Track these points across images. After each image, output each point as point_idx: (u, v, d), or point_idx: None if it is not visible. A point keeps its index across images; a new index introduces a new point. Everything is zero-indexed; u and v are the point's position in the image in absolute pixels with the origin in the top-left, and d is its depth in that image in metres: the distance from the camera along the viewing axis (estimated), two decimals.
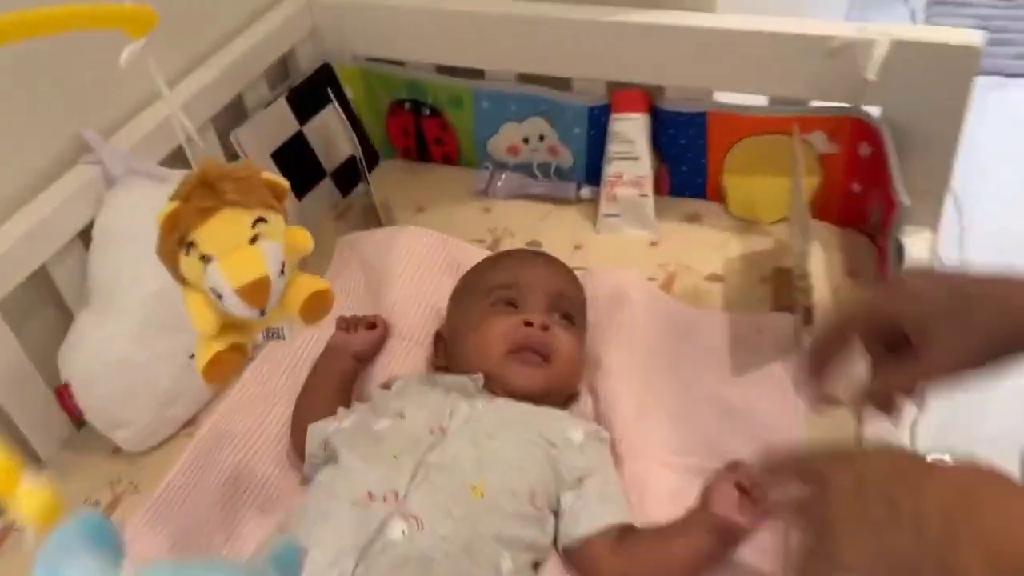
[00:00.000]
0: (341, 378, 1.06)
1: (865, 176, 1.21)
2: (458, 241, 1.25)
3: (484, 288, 1.04)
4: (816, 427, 1.01)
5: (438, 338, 1.08)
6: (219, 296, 0.69)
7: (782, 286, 1.16)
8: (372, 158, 1.53)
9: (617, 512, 0.89)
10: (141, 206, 1.06)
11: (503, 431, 0.90)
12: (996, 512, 0.53)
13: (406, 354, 1.11)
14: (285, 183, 0.74)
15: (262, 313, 0.70)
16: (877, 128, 1.15)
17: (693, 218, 1.34)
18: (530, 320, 0.98)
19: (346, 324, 1.11)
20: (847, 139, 1.21)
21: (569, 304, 1.04)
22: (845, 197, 1.25)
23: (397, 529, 0.78)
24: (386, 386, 1.04)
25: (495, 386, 0.96)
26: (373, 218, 1.34)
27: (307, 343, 1.17)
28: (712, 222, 1.33)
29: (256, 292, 0.69)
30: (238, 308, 0.69)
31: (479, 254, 1.24)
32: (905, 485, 0.58)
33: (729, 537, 0.83)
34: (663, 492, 0.95)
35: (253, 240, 0.70)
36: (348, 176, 1.46)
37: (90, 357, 1.03)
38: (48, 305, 1.11)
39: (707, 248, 1.28)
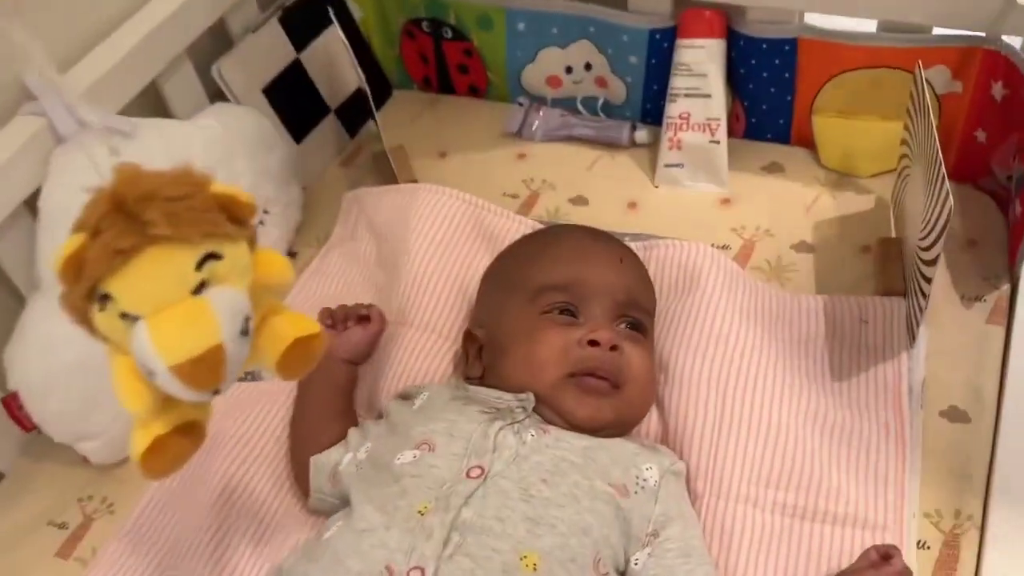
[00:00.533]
0: (336, 391, 0.86)
1: (994, 123, 0.99)
2: (489, 204, 1.02)
3: (532, 287, 0.82)
4: (935, 449, 0.82)
5: (469, 338, 0.86)
6: (151, 372, 0.48)
7: (892, 262, 0.95)
8: (383, 90, 1.30)
9: (703, 572, 0.71)
10: (96, 171, 0.86)
11: (561, 476, 0.70)
12: None
13: (428, 351, 0.91)
14: (248, 198, 0.51)
15: (216, 393, 0.49)
16: (1017, 64, 0.92)
17: (773, 168, 1.11)
18: (596, 339, 0.77)
19: (331, 319, 0.91)
20: (976, 77, 0.98)
21: (640, 311, 0.83)
22: (966, 147, 1.03)
23: None
24: (405, 397, 0.84)
25: (548, 413, 0.76)
26: (385, 168, 1.12)
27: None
28: (798, 173, 1.10)
29: (202, 370, 0.48)
30: (177, 391, 0.48)
31: (516, 222, 1.02)
32: None
33: None
34: (751, 539, 0.76)
35: (199, 289, 0.49)
36: (356, 112, 1.24)
37: (41, 359, 0.84)
38: None
39: (792, 208, 1.06)
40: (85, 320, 0.50)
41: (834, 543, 0.76)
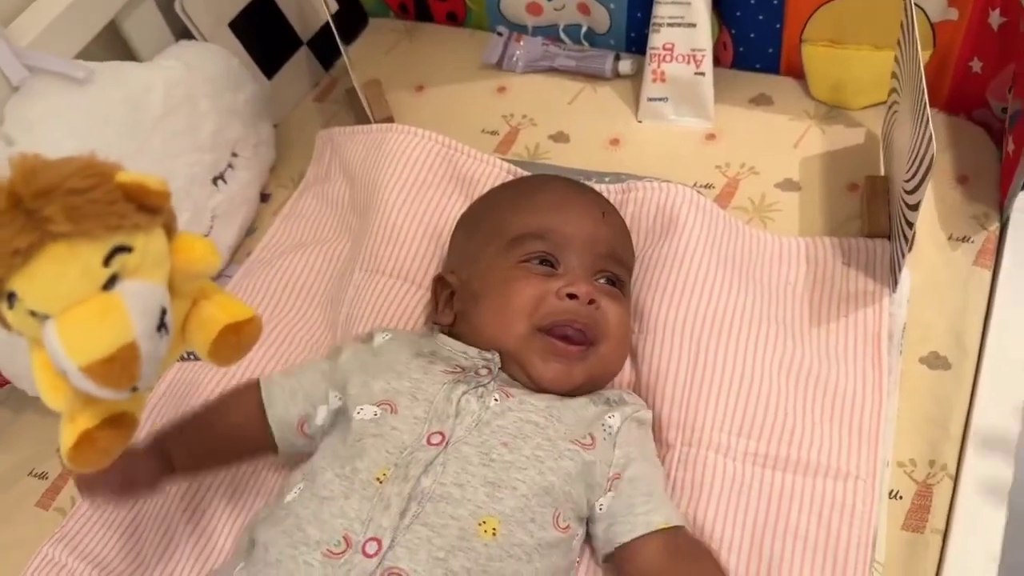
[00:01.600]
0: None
1: (991, 53, 0.94)
2: (463, 147, 0.98)
3: (511, 235, 0.79)
4: (913, 397, 0.80)
5: (440, 284, 0.84)
6: (64, 371, 0.46)
7: (878, 202, 0.91)
8: (358, 19, 1.25)
9: (665, 511, 0.71)
10: (50, 121, 0.83)
11: (523, 439, 0.69)
12: None
13: (400, 298, 0.89)
14: (159, 185, 0.47)
15: (134, 390, 0.47)
16: None
17: (761, 100, 1.07)
18: (574, 291, 0.74)
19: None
20: (972, 4, 0.93)
21: (619, 266, 0.80)
22: (961, 77, 0.98)
23: None
24: (368, 336, 0.82)
25: (515, 370, 0.75)
26: (358, 104, 1.08)
27: (290, 262, 0.97)
28: (786, 106, 1.06)
29: (115, 369, 0.46)
30: (92, 390, 0.46)
31: (491, 165, 0.98)
32: None
33: None
34: (721, 488, 0.76)
35: (109, 284, 0.46)
36: (330, 44, 1.19)
37: None
38: None
39: (779, 144, 1.02)
40: None
41: (805, 493, 0.75)
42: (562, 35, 1.16)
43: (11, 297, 0.46)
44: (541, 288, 0.75)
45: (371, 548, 0.62)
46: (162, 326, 0.48)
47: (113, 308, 0.45)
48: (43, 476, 0.90)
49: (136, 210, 0.46)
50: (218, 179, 0.98)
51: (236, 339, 0.53)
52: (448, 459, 0.67)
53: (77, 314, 0.45)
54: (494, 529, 0.64)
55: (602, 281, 0.79)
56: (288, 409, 0.76)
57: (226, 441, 0.77)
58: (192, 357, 0.55)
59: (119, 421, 0.50)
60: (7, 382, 0.87)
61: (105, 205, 0.45)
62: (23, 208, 0.44)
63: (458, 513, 0.64)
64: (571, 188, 0.85)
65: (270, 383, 0.78)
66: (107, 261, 0.46)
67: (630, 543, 0.69)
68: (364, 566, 0.61)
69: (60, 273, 0.45)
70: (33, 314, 0.46)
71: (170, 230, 0.50)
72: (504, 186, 0.90)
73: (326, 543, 0.63)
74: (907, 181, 0.80)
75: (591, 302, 0.75)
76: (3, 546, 0.85)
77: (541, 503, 0.67)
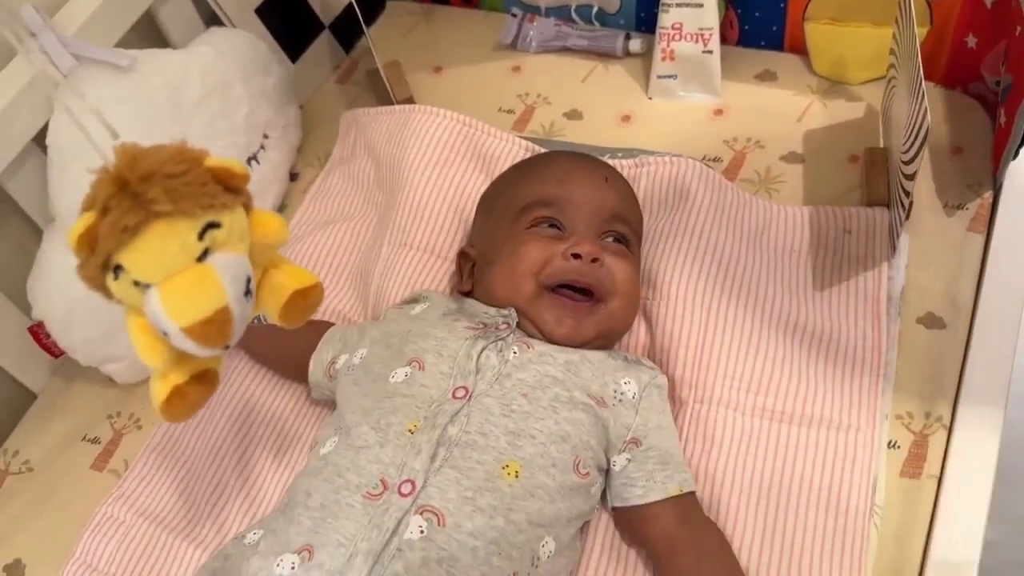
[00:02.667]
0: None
1: (985, 28, 0.98)
2: (483, 125, 1.04)
3: (519, 204, 0.84)
4: (911, 354, 0.86)
5: (463, 256, 0.90)
6: (165, 333, 0.52)
7: (877, 172, 0.97)
8: (376, 2, 1.30)
9: (680, 477, 0.77)
10: (100, 108, 0.88)
11: (541, 390, 0.75)
12: None
13: (427, 271, 0.94)
14: (241, 169, 0.54)
15: (226, 348, 0.53)
16: None
17: (766, 76, 1.12)
18: (578, 251, 0.80)
19: None
20: None
21: (625, 226, 0.85)
22: (957, 53, 1.03)
23: (415, 527, 0.66)
24: (409, 301, 0.89)
25: (529, 327, 0.80)
26: (380, 86, 1.13)
27: (320, 238, 1.03)
28: (790, 81, 1.11)
29: (212, 329, 0.52)
30: (191, 348, 0.52)
31: (510, 143, 1.04)
32: None
33: None
34: (731, 441, 0.82)
35: (203, 256, 0.52)
36: (350, 27, 1.25)
37: (61, 291, 0.89)
38: (11, 219, 0.95)
39: (783, 118, 1.07)
40: (102, 287, 0.54)
41: (809, 444, 0.81)
42: (574, 15, 1.21)
43: (117, 269, 0.52)
44: (548, 250, 0.80)
45: (406, 488, 0.68)
46: (248, 291, 0.54)
47: (208, 277, 0.52)
48: (96, 440, 0.96)
49: (223, 191, 0.52)
50: (251, 160, 1.03)
51: (304, 303, 0.59)
52: (472, 411, 0.73)
53: (177, 282, 0.51)
54: (516, 472, 0.70)
55: (609, 240, 0.84)
56: (325, 352, 0.85)
57: (284, 352, 0.89)
58: (260, 320, 0.60)
59: (204, 377, 0.56)
60: (62, 352, 0.93)
61: (198, 187, 0.50)
62: (129, 191, 0.50)
63: (483, 458, 0.70)
64: (576, 158, 0.91)
65: (334, 328, 0.89)
66: (201, 236, 0.52)
67: (644, 506, 0.75)
68: (400, 504, 0.67)
69: (162, 247, 0.51)
70: (136, 284, 0.52)
71: (248, 207, 0.55)
72: (516, 165, 0.95)
73: (365, 486, 0.69)
74: (904, 152, 0.85)
75: (594, 260, 0.79)
76: (62, 505, 0.91)
77: (560, 450, 0.73)
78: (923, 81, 0.79)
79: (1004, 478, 1.38)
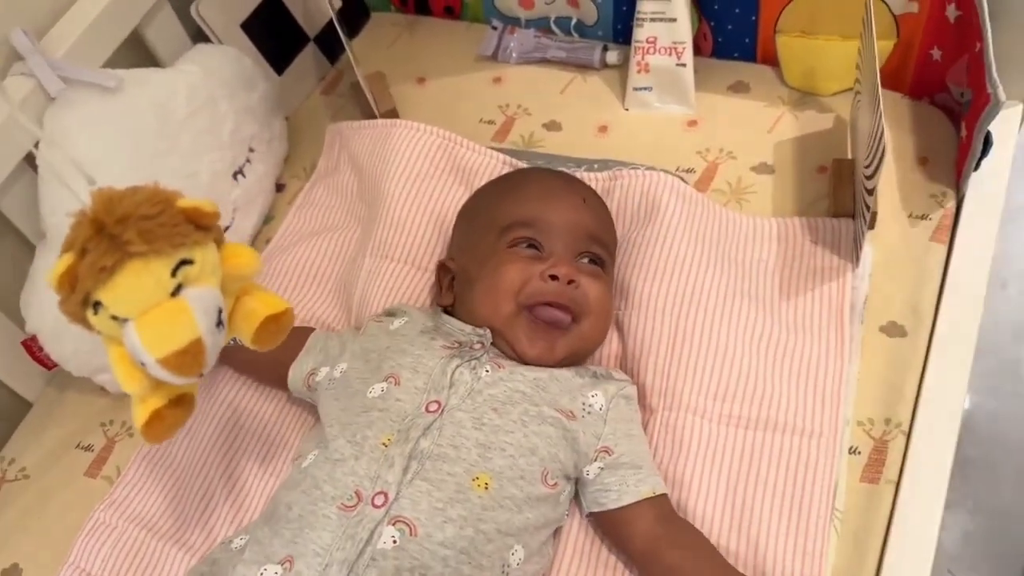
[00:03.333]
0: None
1: (949, 43, 1.01)
2: (463, 140, 1.06)
3: (500, 223, 0.87)
4: (873, 362, 0.89)
5: (442, 269, 0.93)
6: (143, 363, 0.55)
7: (844, 183, 0.99)
8: (360, 13, 1.33)
9: (652, 481, 0.80)
10: (87, 129, 0.91)
11: (511, 405, 0.78)
12: None
13: (407, 282, 0.97)
14: (211, 208, 0.57)
15: (200, 376, 0.57)
16: None
17: (739, 88, 1.14)
18: (555, 273, 0.82)
19: None
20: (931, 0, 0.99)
21: (600, 247, 0.88)
22: (922, 65, 1.05)
23: (388, 537, 0.69)
24: (388, 314, 0.92)
25: (504, 346, 0.84)
26: (363, 97, 1.16)
27: (305, 249, 1.06)
28: (761, 93, 1.13)
29: (186, 360, 0.55)
30: (166, 377, 0.55)
31: (488, 157, 1.06)
32: None
33: None
34: (699, 446, 0.85)
35: (176, 291, 0.56)
36: (335, 39, 1.25)
37: (51, 305, 0.89)
38: (4, 236, 0.98)
39: (755, 129, 1.10)
40: (82, 321, 0.57)
41: (774, 449, 0.84)
42: (553, 27, 1.24)
43: (96, 305, 0.55)
44: (527, 271, 0.83)
45: (379, 500, 0.71)
46: (220, 322, 0.57)
47: (181, 311, 0.55)
48: (89, 448, 0.99)
49: (194, 229, 0.55)
50: (237, 174, 1.06)
51: (275, 327, 0.62)
52: (444, 424, 0.76)
53: (153, 317, 0.54)
54: (486, 484, 0.73)
55: (584, 261, 0.87)
56: (305, 362, 0.88)
57: (264, 359, 0.85)
58: (234, 342, 0.64)
59: (182, 400, 0.60)
60: (55, 365, 0.96)
61: (171, 227, 0.54)
62: (106, 233, 0.53)
63: (454, 470, 0.73)
64: (555, 179, 0.94)
65: (316, 336, 0.91)
66: (174, 272, 0.55)
67: (620, 510, 0.78)
68: (373, 515, 0.70)
69: (138, 285, 0.54)
70: (114, 318, 0.55)
71: (219, 242, 0.58)
72: (497, 180, 0.98)
73: (340, 498, 0.72)
74: (866, 167, 0.88)
75: (571, 282, 0.83)
76: (58, 512, 0.94)
77: (528, 462, 0.76)
78: (881, 98, 0.82)
79: (984, 472, 1.42)
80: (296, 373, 0.89)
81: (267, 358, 0.90)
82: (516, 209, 0.88)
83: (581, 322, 0.84)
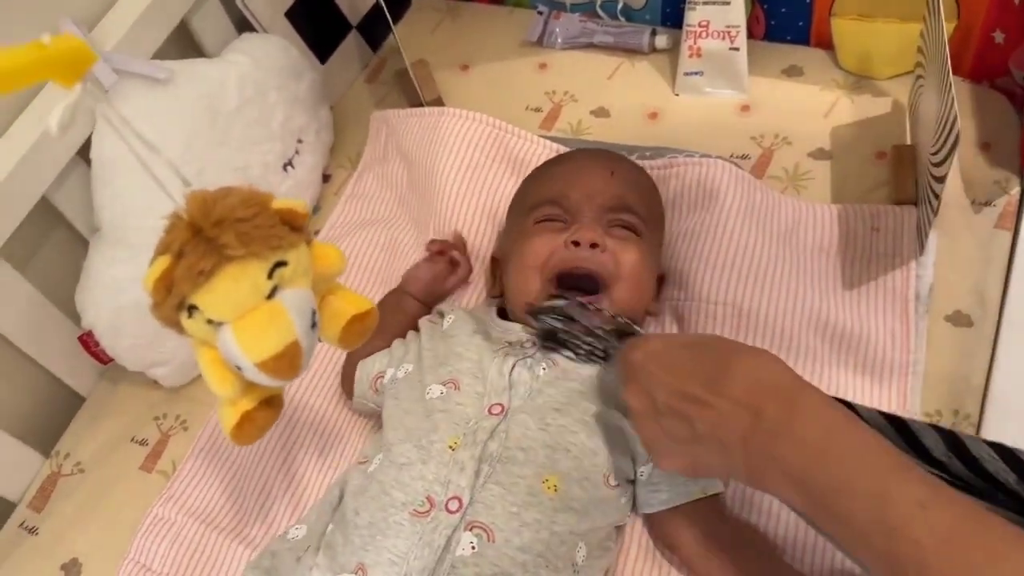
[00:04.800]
0: (399, 317, 0.92)
1: (1012, 25, 0.99)
2: (512, 127, 1.05)
3: (529, 204, 0.87)
4: (939, 352, 0.88)
5: (494, 261, 0.92)
6: (239, 368, 0.55)
7: (905, 170, 0.98)
8: (402, 0, 1.30)
9: (703, 481, 0.78)
10: (139, 122, 0.89)
11: (572, 405, 0.77)
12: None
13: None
14: (304, 208, 0.56)
15: (295, 377, 0.56)
16: None
17: (793, 71, 1.12)
18: (577, 237, 0.80)
19: (441, 249, 0.96)
20: None
21: (632, 215, 0.85)
22: (983, 47, 1.03)
23: (466, 543, 0.68)
24: (439, 314, 0.91)
25: None
26: (408, 86, 1.14)
27: (356, 241, 1.05)
28: (816, 76, 1.11)
29: (284, 363, 0.55)
30: (264, 381, 0.55)
31: (539, 145, 1.05)
32: (696, 404, 0.60)
33: None
34: None
35: (272, 293, 0.55)
36: (377, 26, 1.26)
37: (109, 300, 0.91)
38: (56, 230, 0.98)
39: (810, 114, 1.08)
40: (176, 326, 0.56)
41: None
42: (599, 11, 1.22)
43: (191, 309, 0.55)
44: (552, 242, 0.82)
45: (453, 505, 0.70)
46: (313, 324, 0.56)
47: (278, 314, 0.54)
48: (143, 442, 0.99)
49: (289, 231, 0.55)
50: (287, 165, 1.05)
51: (360, 326, 0.62)
52: (510, 426, 0.74)
53: (250, 321, 0.54)
54: (555, 486, 0.72)
55: (618, 228, 0.84)
56: (373, 363, 0.87)
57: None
58: (320, 341, 0.63)
59: (271, 402, 0.59)
60: (111, 359, 0.96)
61: (267, 229, 0.53)
62: (203, 236, 0.52)
63: (524, 472, 0.72)
64: (585, 155, 0.92)
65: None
66: (270, 275, 0.55)
67: (671, 511, 0.77)
68: (449, 521, 0.69)
69: (235, 288, 0.54)
70: (210, 322, 0.54)
71: (309, 242, 0.58)
72: (541, 165, 0.96)
73: (411, 504, 0.71)
74: (934, 154, 0.86)
75: (594, 245, 0.80)
76: (114, 506, 0.94)
77: (592, 464, 0.75)
78: (952, 84, 0.80)
79: None
80: (363, 373, 0.88)
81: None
82: (543, 188, 0.87)
83: (612, 288, 0.82)
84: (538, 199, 0.86)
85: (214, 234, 0.52)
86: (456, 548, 0.68)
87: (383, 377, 0.87)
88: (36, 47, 0.50)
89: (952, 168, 0.98)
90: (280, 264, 0.55)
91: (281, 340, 0.54)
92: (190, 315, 0.55)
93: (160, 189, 0.55)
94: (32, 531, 0.95)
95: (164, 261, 0.53)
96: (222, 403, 0.59)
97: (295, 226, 0.55)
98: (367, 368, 0.88)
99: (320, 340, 0.62)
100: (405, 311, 0.93)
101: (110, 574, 0.88)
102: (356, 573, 0.70)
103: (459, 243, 0.97)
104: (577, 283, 0.81)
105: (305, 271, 0.56)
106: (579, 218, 0.83)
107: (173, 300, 0.54)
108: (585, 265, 0.80)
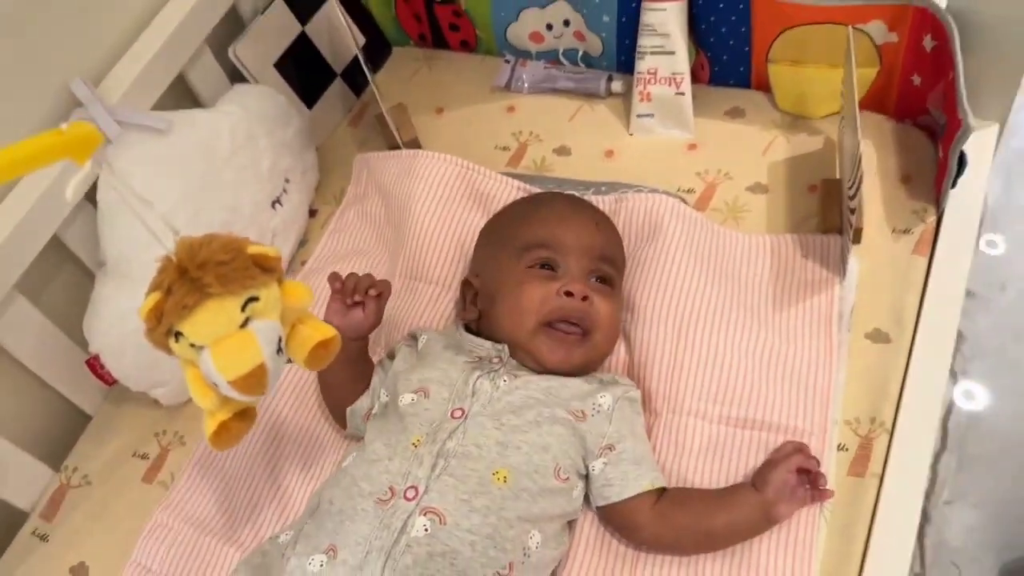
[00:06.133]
0: (351, 363, 0.98)
1: (927, 70, 1.09)
2: (479, 168, 1.16)
3: (519, 245, 0.97)
4: (859, 366, 0.97)
5: (466, 286, 1.02)
6: (215, 384, 0.65)
7: (832, 201, 1.08)
8: (383, 49, 1.43)
9: (651, 475, 0.88)
10: (141, 168, 1.00)
11: (526, 409, 0.87)
12: None
13: (433, 299, 1.08)
14: (275, 252, 0.67)
15: (263, 394, 0.67)
16: (943, 21, 1.02)
17: (735, 113, 1.23)
18: (570, 290, 0.92)
19: (340, 284, 0.96)
20: (909, 30, 1.08)
21: (610, 266, 0.98)
22: (904, 90, 1.13)
23: (420, 526, 0.79)
24: (412, 337, 1.01)
25: (525, 358, 0.93)
26: (387, 128, 1.25)
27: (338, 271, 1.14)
28: (756, 117, 1.22)
29: (252, 382, 0.65)
30: (235, 396, 0.66)
31: (504, 184, 1.16)
32: None
33: (776, 521, 0.85)
34: (700, 446, 0.94)
35: (244, 323, 0.66)
36: (360, 74, 1.35)
37: (114, 328, 1.01)
38: (66, 264, 1.08)
39: (750, 152, 1.18)
40: (166, 348, 0.68)
41: (768, 446, 0.92)
42: (562, 58, 1.33)
43: (178, 335, 0.66)
44: (545, 289, 0.93)
45: (410, 494, 0.80)
46: (279, 349, 0.67)
47: (249, 341, 0.65)
48: (145, 456, 1.08)
49: (261, 272, 0.66)
50: (275, 203, 1.16)
51: (324, 351, 0.72)
52: (468, 427, 0.85)
53: (225, 346, 0.65)
54: (505, 477, 0.82)
55: (595, 280, 0.96)
56: (363, 403, 0.97)
57: (345, 379, 0.98)
58: (288, 361, 0.74)
59: (245, 414, 0.71)
60: (115, 381, 1.06)
61: (242, 271, 0.64)
62: (188, 276, 0.64)
63: (476, 466, 0.82)
64: (570, 203, 1.03)
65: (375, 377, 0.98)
66: (243, 308, 0.66)
67: (622, 503, 0.87)
68: (406, 507, 0.79)
69: (213, 320, 0.65)
70: (192, 345, 0.65)
71: (280, 280, 0.69)
72: (515, 203, 1.07)
73: (376, 493, 0.81)
74: (849, 187, 0.97)
75: (584, 298, 0.92)
76: (118, 514, 1.03)
77: (542, 459, 0.85)
78: (859, 124, 0.90)
79: (986, 468, 1.49)
80: (352, 413, 0.98)
81: (344, 389, 0.99)
82: (534, 231, 0.97)
83: (593, 334, 0.93)
84: (529, 241, 0.96)
85: (198, 275, 0.63)
86: (411, 530, 0.78)
87: (374, 409, 0.96)
88: (55, 134, 0.61)
89: (876, 198, 1.10)
90: (252, 299, 0.66)
91: (250, 362, 0.65)
92: (176, 340, 0.66)
93: (153, 235, 0.66)
94: (43, 538, 1.04)
95: (155, 296, 0.64)
96: (205, 415, 0.70)
97: (267, 268, 0.67)
98: (356, 408, 0.98)
99: (291, 362, 0.73)
100: (351, 356, 0.98)
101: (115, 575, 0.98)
102: (328, 553, 0.80)
103: (360, 284, 0.96)
104: (567, 329, 0.92)
105: (275, 305, 0.68)
106: (568, 267, 0.94)
107: (163, 328, 0.65)
108: (576, 314, 0.92)
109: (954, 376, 1.53)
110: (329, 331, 0.72)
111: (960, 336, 1.53)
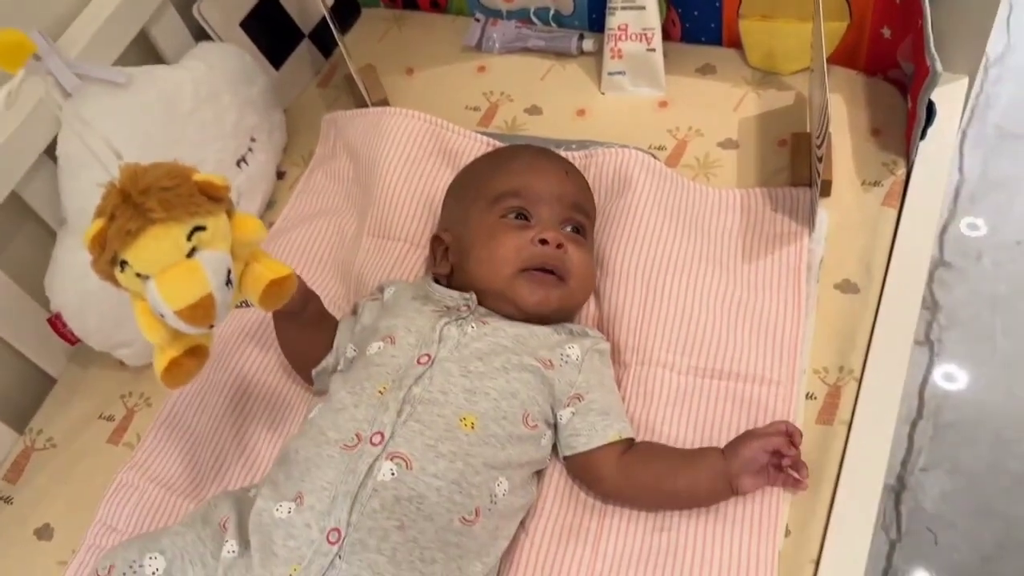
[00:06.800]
0: (310, 324, 0.96)
1: (897, 22, 1.09)
2: (449, 124, 1.15)
3: (490, 195, 0.96)
4: (828, 316, 0.97)
5: (436, 241, 1.01)
6: (162, 315, 0.64)
7: (801, 154, 1.08)
8: (352, 10, 1.41)
9: (619, 426, 0.88)
10: (102, 122, 0.99)
11: (494, 356, 0.87)
12: None
13: (402, 257, 1.06)
14: (222, 181, 0.66)
15: (211, 327, 0.65)
16: None
17: (706, 70, 1.22)
18: (545, 238, 0.91)
19: None
20: None
21: (582, 215, 0.97)
22: (874, 43, 1.13)
23: (386, 470, 0.78)
24: (379, 290, 1.00)
25: (502, 304, 0.92)
26: (356, 89, 1.24)
27: (306, 231, 1.13)
28: (727, 74, 1.21)
29: (199, 312, 0.64)
30: (183, 327, 0.64)
31: (472, 139, 1.15)
32: None
33: (738, 493, 0.85)
34: (668, 396, 0.93)
35: (191, 253, 0.64)
36: (329, 35, 1.34)
37: (74, 285, 1.00)
38: (27, 223, 1.07)
39: (721, 108, 1.18)
40: (111, 278, 0.66)
41: (737, 396, 0.92)
42: (533, 18, 1.32)
43: (123, 264, 0.64)
44: (519, 238, 0.92)
45: (376, 439, 0.79)
46: (229, 281, 0.66)
47: (195, 270, 0.64)
48: (111, 418, 1.07)
49: (207, 200, 0.64)
50: (240, 162, 1.14)
51: (279, 290, 0.71)
52: (434, 373, 0.84)
53: (171, 274, 0.63)
54: (472, 423, 0.82)
55: (568, 229, 0.95)
56: (329, 361, 0.96)
57: (305, 341, 0.97)
58: (246, 304, 0.72)
59: (196, 351, 0.69)
60: (78, 340, 1.04)
61: (187, 198, 0.63)
62: (131, 202, 0.62)
63: (443, 412, 0.82)
64: (539, 153, 1.02)
65: (339, 335, 0.96)
66: (189, 237, 0.64)
67: (588, 452, 0.87)
68: (372, 452, 0.79)
69: (158, 246, 0.63)
70: (138, 275, 0.64)
71: (230, 212, 0.67)
72: (484, 156, 1.06)
73: (342, 440, 0.81)
74: (816, 139, 0.96)
75: (559, 246, 0.91)
76: (83, 476, 1.02)
77: (510, 405, 0.84)
78: (827, 76, 0.90)
79: (961, 435, 1.49)
80: (322, 369, 0.96)
81: (306, 351, 0.98)
82: (505, 181, 0.96)
83: (568, 281, 0.92)
84: (501, 192, 0.95)
85: (140, 200, 0.61)
86: (377, 474, 0.77)
87: (339, 365, 0.95)
88: None
89: (846, 152, 1.09)
90: (199, 228, 0.65)
91: (197, 292, 0.64)
92: (122, 269, 0.65)
93: (105, 169, 0.64)
94: (7, 500, 1.02)
95: (99, 223, 0.63)
96: (154, 351, 0.69)
97: (214, 196, 0.65)
98: (321, 369, 0.96)
99: (246, 305, 0.71)
100: (313, 316, 0.96)
101: (80, 536, 0.96)
102: (295, 500, 0.79)
103: None
104: (543, 276, 0.91)
105: (224, 236, 0.66)
106: (540, 215, 0.94)
107: (107, 256, 0.64)
108: (552, 262, 0.91)
109: (930, 345, 1.53)
110: (284, 269, 0.71)
111: (936, 306, 1.54)
